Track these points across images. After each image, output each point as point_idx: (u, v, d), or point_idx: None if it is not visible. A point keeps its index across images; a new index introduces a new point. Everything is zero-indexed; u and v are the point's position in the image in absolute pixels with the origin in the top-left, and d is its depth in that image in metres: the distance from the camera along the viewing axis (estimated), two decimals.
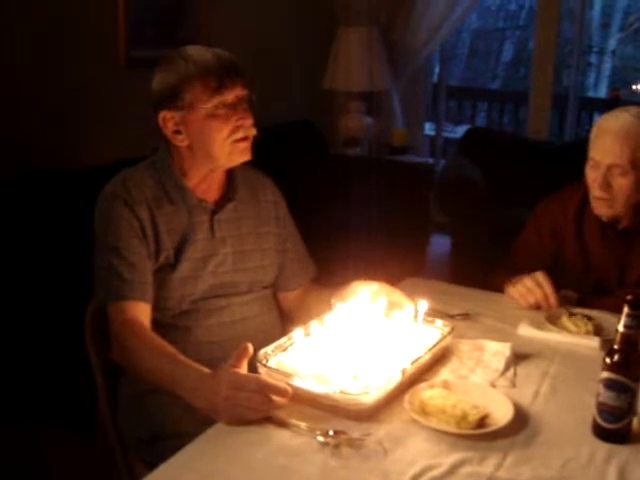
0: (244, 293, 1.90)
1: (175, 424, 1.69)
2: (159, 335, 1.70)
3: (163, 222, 1.81)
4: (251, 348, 1.49)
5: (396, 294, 1.86)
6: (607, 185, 2.05)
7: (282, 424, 1.42)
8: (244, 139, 1.81)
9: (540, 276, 2.04)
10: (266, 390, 1.42)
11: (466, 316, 2.00)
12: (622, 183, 2.04)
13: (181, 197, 1.84)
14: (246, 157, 1.85)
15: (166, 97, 1.77)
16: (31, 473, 2.35)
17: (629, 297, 1.38)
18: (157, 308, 1.79)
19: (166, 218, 1.81)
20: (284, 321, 2.01)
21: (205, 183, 1.87)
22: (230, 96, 1.77)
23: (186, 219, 1.83)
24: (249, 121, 1.80)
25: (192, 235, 1.83)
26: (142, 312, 1.74)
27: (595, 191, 2.09)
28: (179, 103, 1.76)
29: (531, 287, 2.04)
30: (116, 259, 1.74)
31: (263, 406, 1.41)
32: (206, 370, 1.52)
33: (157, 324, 1.77)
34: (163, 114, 1.79)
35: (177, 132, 1.80)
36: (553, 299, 2.02)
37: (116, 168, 1.90)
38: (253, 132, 1.82)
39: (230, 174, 1.92)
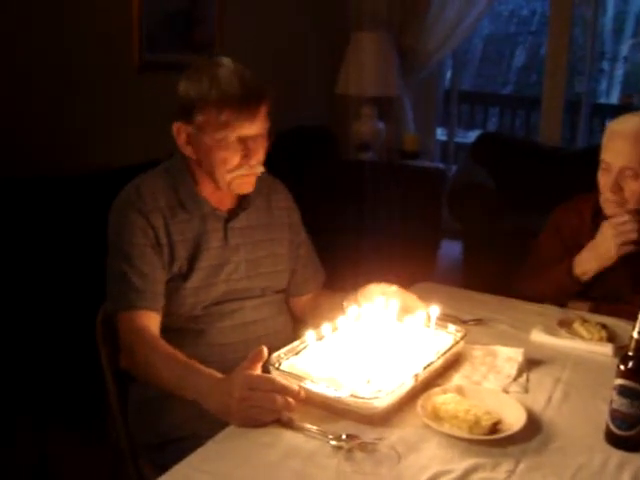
0: (257, 297, 1.91)
1: (186, 427, 1.70)
2: (170, 338, 1.70)
3: (177, 231, 1.81)
4: (266, 351, 1.49)
5: (410, 298, 1.86)
6: (619, 188, 2.06)
7: (295, 427, 1.42)
8: (247, 175, 1.80)
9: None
10: (280, 390, 1.43)
11: (479, 321, 2.00)
12: (634, 186, 2.05)
13: (195, 205, 1.84)
14: (247, 190, 1.85)
15: (182, 109, 1.76)
16: (36, 477, 2.35)
17: None
18: (169, 313, 1.79)
19: (180, 227, 1.81)
20: (295, 324, 2.02)
21: (218, 192, 1.86)
22: (242, 131, 1.73)
23: (199, 227, 1.83)
24: (255, 160, 1.77)
25: (205, 244, 1.83)
26: (152, 321, 1.74)
27: (607, 194, 2.09)
28: (192, 120, 1.75)
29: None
30: (128, 267, 1.74)
31: (277, 406, 1.42)
32: (218, 374, 1.53)
33: (168, 328, 1.77)
34: (177, 125, 1.78)
35: (188, 144, 1.79)
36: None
37: (129, 171, 1.90)
38: (258, 170, 1.81)
39: None
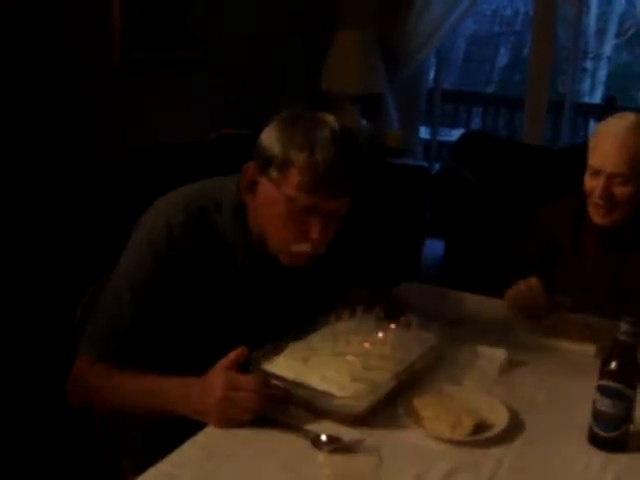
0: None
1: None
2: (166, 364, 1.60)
3: (205, 287, 1.61)
4: (246, 352, 1.47)
5: (393, 299, 1.84)
6: (608, 194, 2.01)
7: (275, 427, 1.40)
8: (305, 253, 1.57)
9: (533, 281, 2.00)
10: (262, 390, 1.41)
11: (461, 321, 1.98)
12: (623, 192, 2.00)
13: (242, 264, 1.64)
14: (296, 266, 1.62)
15: (260, 158, 1.55)
16: (26, 473, 2.34)
17: (628, 304, 1.37)
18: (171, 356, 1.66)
19: (213, 283, 1.62)
20: None
21: None
22: (320, 204, 1.52)
23: (237, 284, 1.65)
24: (323, 238, 1.55)
25: (238, 302, 1.66)
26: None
27: (595, 199, 2.04)
28: (266, 172, 1.54)
29: (524, 291, 2.00)
30: (118, 319, 1.58)
31: (258, 406, 1.40)
32: (194, 377, 1.49)
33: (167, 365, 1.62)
34: (250, 165, 1.58)
35: (251, 189, 1.59)
36: (542, 304, 1.97)
37: (114, 165, 1.83)
38: (319, 250, 1.58)
39: None
